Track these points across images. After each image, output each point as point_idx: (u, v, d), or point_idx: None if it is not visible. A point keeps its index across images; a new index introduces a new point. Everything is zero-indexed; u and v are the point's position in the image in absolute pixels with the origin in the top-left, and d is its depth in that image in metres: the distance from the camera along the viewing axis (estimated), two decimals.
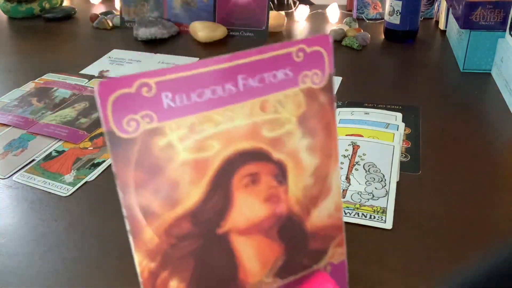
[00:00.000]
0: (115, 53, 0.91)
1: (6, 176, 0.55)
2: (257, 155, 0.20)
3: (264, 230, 0.21)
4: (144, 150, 0.18)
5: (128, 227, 0.18)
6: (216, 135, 0.18)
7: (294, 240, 0.22)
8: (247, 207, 0.20)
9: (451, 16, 0.88)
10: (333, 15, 1.04)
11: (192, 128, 0.18)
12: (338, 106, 0.67)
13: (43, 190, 0.52)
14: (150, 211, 0.18)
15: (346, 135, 0.59)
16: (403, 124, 0.61)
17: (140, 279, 0.19)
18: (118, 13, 1.06)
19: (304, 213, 0.22)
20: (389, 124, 0.61)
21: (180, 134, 0.18)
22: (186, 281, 0.20)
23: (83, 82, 0.78)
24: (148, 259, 0.19)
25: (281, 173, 0.21)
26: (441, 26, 0.96)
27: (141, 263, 0.19)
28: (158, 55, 0.89)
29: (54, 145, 0.60)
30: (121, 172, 0.18)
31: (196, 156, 0.19)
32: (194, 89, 0.18)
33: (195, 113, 0.18)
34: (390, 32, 0.91)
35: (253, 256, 0.21)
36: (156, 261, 0.19)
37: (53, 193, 0.52)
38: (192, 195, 0.19)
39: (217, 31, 0.94)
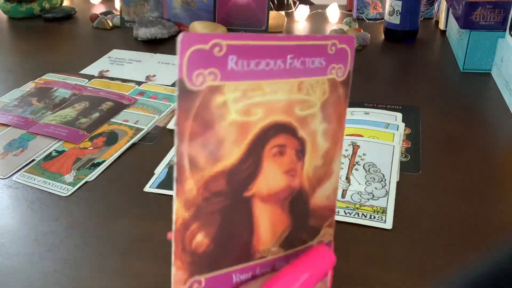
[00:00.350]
0: (115, 53, 0.91)
1: (6, 176, 0.55)
2: (287, 129, 0.22)
3: (280, 201, 0.23)
4: (204, 105, 0.19)
5: (175, 174, 0.20)
6: (262, 103, 0.21)
7: (300, 214, 0.24)
8: (271, 176, 0.22)
9: (451, 16, 0.88)
10: (333, 15, 1.04)
11: (245, 92, 0.20)
12: None
13: (43, 190, 0.52)
14: (196, 163, 0.20)
15: (346, 135, 0.59)
16: (403, 124, 0.61)
17: (174, 227, 0.21)
18: (118, 13, 1.06)
19: (310, 191, 0.23)
20: (389, 124, 0.61)
21: (234, 96, 0.20)
22: (210, 237, 0.21)
23: (83, 82, 0.78)
24: (184, 208, 0.20)
25: (301, 150, 0.23)
26: (441, 26, 0.96)
27: (178, 210, 0.20)
28: (158, 55, 0.89)
29: (54, 145, 0.60)
30: (181, 121, 0.19)
31: (243, 119, 0.20)
32: (254, 58, 0.20)
33: (250, 80, 0.20)
34: (390, 32, 0.91)
35: (266, 224, 0.23)
36: (190, 211, 0.21)
37: (53, 193, 0.52)
38: (233, 154, 0.21)
39: (217, 31, 0.94)
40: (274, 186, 0.23)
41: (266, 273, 0.24)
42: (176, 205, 0.20)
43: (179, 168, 0.20)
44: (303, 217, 0.24)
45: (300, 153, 0.23)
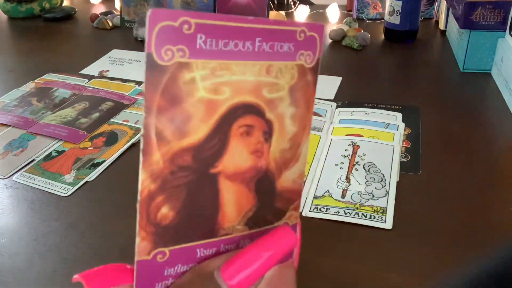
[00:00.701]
0: (115, 53, 0.91)
1: (6, 176, 0.55)
2: (255, 110, 0.23)
3: (245, 180, 0.24)
4: (172, 80, 0.20)
5: (141, 146, 0.20)
6: (229, 83, 0.21)
7: (265, 195, 0.24)
8: (238, 155, 0.23)
9: (451, 16, 0.88)
10: (333, 15, 1.04)
11: (213, 71, 0.21)
12: (338, 106, 0.67)
13: (43, 190, 0.52)
14: (163, 137, 0.20)
15: (346, 135, 0.59)
16: (403, 124, 0.61)
17: (139, 198, 0.21)
18: (118, 13, 1.07)
19: (277, 173, 0.24)
20: (389, 124, 0.61)
21: (202, 74, 0.20)
22: (175, 210, 0.22)
23: (83, 82, 0.78)
24: (150, 179, 0.21)
25: (268, 131, 0.23)
26: (441, 26, 0.96)
27: (144, 181, 0.21)
28: None
29: (54, 145, 0.60)
30: (149, 95, 0.20)
31: (210, 97, 0.21)
32: (222, 38, 0.21)
33: (218, 59, 0.21)
34: (390, 32, 0.91)
35: (232, 201, 0.23)
36: (156, 183, 0.21)
37: (53, 193, 0.52)
38: (199, 131, 0.21)
39: None
40: (240, 165, 0.23)
41: (230, 250, 0.25)
42: (142, 176, 0.21)
43: (146, 140, 0.20)
44: (269, 197, 0.25)
45: (267, 134, 0.23)
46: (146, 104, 0.20)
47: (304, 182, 0.26)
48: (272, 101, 0.23)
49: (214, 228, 0.24)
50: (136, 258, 0.22)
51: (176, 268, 0.24)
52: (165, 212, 0.22)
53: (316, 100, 0.68)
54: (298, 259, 0.26)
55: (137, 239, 0.22)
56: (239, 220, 0.24)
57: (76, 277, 0.22)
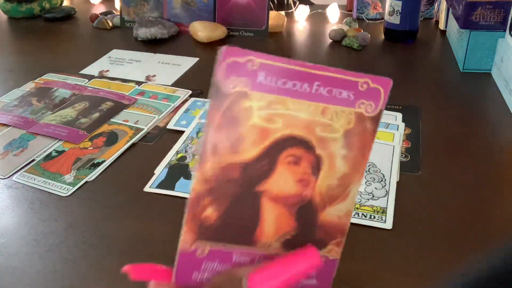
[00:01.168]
0: (115, 53, 0.91)
1: (6, 176, 0.55)
2: (305, 144, 0.25)
3: (288, 205, 0.26)
4: (232, 105, 0.23)
5: (199, 154, 0.24)
6: (283, 115, 0.24)
7: (307, 223, 0.26)
8: (283, 180, 0.25)
9: (451, 16, 0.88)
10: (333, 15, 1.04)
11: (269, 103, 0.24)
12: None
13: (43, 190, 0.52)
14: (217, 150, 0.24)
15: None
16: (403, 124, 0.61)
17: (190, 196, 0.24)
18: (118, 13, 1.07)
19: (321, 206, 0.26)
20: (389, 124, 0.61)
21: (259, 104, 0.24)
22: (219, 214, 0.25)
23: (83, 82, 0.78)
24: (201, 182, 0.24)
25: (317, 166, 0.25)
26: (441, 26, 0.96)
27: (195, 183, 0.24)
28: (158, 55, 0.89)
29: (54, 145, 0.60)
30: (211, 114, 0.23)
31: (263, 125, 0.24)
32: (282, 78, 0.23)
33: (276, 94, 0.24)
34: (390, 32, 0.91)
35: (272, 220, 0.26)
36: (205, 187, 0.24)
37: (53, 193, 0.52)
38: (250, 152, 0.24)
39: (217, 31, 0.94)
40: (284, 189, 0.25)
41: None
42: (195, 179, 0.24)
43: (203, 150, 0.24)
44: (309, 226, 0.26)
45: (315, 168, 0.25)
46: (208, 121, 0.23)
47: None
48: (324, 140, 0.25)
49: (252, 240, 0.26)
50: (179, 249, 0.25)
51: (212, 265, 0.26)
52: (209, 213, 0.25)
53: None
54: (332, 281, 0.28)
55: (182, 231, 0.25)
56: (276, 239, 0.26)
57: (125, 268, 0.25)
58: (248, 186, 0.25)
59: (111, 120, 0.65)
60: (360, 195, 0.49)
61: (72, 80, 0.78)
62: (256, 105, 0.24)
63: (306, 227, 0.26)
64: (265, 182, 0.25)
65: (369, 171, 0.52)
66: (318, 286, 0.27)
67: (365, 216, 0.46)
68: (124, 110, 0.68)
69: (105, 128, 0.63)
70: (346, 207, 0.26)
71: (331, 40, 0.93)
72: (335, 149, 0.25)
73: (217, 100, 0.23)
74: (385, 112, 0.70)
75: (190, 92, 0.73)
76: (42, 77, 0.80)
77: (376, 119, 0.25)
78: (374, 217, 0.46)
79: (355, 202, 0.26)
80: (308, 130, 0.25)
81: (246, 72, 0.23)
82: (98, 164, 0.56)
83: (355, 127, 0.25)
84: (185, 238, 0.25)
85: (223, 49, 0.22)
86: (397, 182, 0.50)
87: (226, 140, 0.24)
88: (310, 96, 0.24)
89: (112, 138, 0.61)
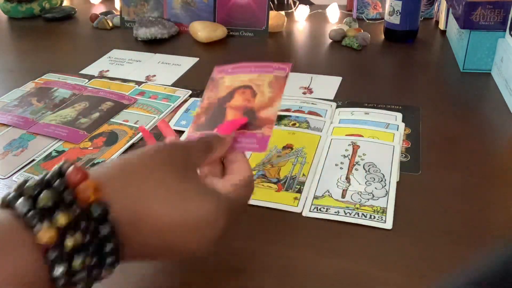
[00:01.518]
0: (115, 53, 0.91)
1: (6, 176, 0.55)
2: (248, 87, 0.46)
3: (240, 110, 0.44)
4: (217, 81, 0.48)
5: (201, 101, 0.48)
6: (238, 80, 0.47)
7: (250, 118, 0.43)
8: (238, 100, 0.45)
9: (451, 16, 0.88)
10: (333, 15, 1.04)
11: (232, 78, 0.47)
12: (338, 106, 0.67)
13: None
14: (208, 96, 0.47)
15: (346, 135, 0.59)
16: (403, 124, 0.61)
17: (195, 113, 0.47)
18: (118, 13, 1.07)
19: (258, 110, 0.44)
20: (389, 124, 0.61)
21: (228, 79, 0.47)
22: (206, 118, 0.46)
23: (83, 82, 0.78)
24: (201, 108, 0.47)
25: (253, 94, 0.45)
26: (441, 26, 0.96)
27: (199, 107, 0.47)
28: (158, 55, 0.89)
29: (54, 145, 0.60)
30: (208, 85, 0.48)
31: (229, 84, 0.47)
32: (237, 69, 0.48)
33: (235, 74, 0.47)
34: (390, 32, 0.91)
35: (231, 117, 0.44)
36: (202, 108, 0.47)
37: None
38: (223, 93, 0.46)
39: (217, 31, 0.94)
40: (237, 104, 0.45)
41: None
42: (199, 106, 0.47)
43: (203, 97, 0.47)
44: (252, 120, 0.43)
45: (253, 95, 0.45)
46: (206, 88, 0.48)
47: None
48: (258, 85, 0.45)
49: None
50: (187, 136, 0.46)
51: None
52: (202, 119, 0.45)
53: (316, 100, 0.68)
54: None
55: (188, 128, 0.48)
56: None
57: (140, 127, 0.41)
58: (220, 104, 0.45)
59: (111, 120, 0.65)
60: (360, 195, 0.49)
61: (72, 80, 0.78)
62: (227, 79, 0.47)
63: (251, 120, 0.43)
64: (229, 102, 0.45)
65: (369, 171, 0.52)
66: (258, 148, 0.41)
67: (365, 216, 0.46)
68: (124, 110, 0.68)
69: (105, 128, 0.63)
70: (272, 110, 0.43)
71: (331, 40, 0.93)
72: (264, 88, 0.45)
73: (211, 81, 0.48)
74: (385, 112, 0.72)
75: (190, 92, 0.73)
76: (42, 77, 0.80)
77: (285, 77, 0.45)
78: (374, 217, 0.46)
79: (278, 110, 0.43)
80: (249, 82, 0.46)
81: (224, 71, 0.48)
82: (98, 164, 0.56)
83: (272, 81, 0.45)
84: (190, 130, 0.45)
85: (216, 68, 0.49)
86: (397, 182, 0.50)
87: (212, 91, 0.47)
88: (250, 72, 0.47)
89: (112, 138, 0.61)
